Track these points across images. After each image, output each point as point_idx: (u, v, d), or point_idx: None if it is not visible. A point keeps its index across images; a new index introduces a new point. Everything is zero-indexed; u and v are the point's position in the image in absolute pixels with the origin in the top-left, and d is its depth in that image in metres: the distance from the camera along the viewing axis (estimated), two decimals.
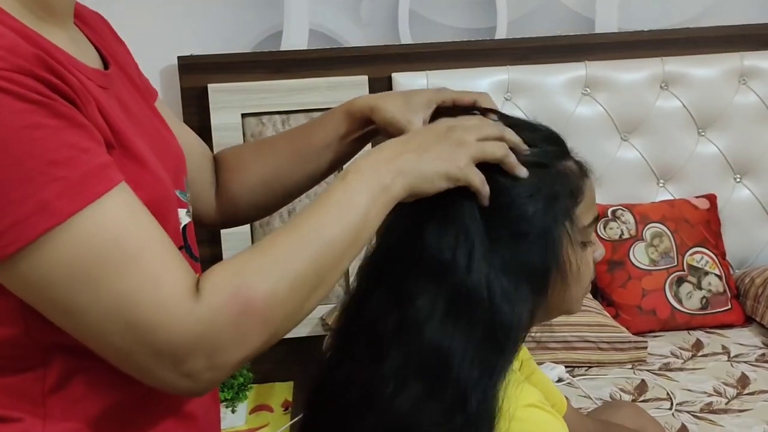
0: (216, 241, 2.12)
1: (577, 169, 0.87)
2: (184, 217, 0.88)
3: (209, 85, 2.08)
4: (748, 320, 2.09)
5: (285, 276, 0.70)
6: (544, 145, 0.86)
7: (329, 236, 0.73)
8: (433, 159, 0.78)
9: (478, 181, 0.79)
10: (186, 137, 1.01)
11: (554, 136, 0.88)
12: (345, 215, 0.74)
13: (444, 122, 0.82)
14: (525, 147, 0.82)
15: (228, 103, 2.09)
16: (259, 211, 1.05)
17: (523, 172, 0.81)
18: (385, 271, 0.84)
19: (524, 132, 0.85)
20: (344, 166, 0.80)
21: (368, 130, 0.96)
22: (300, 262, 0.71)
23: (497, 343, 0.80)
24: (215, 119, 2.09)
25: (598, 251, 0.90)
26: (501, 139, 0.81)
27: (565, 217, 0.83)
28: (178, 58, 2.10)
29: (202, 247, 2.27)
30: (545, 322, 0.90)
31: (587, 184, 0.87)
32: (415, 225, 0.82)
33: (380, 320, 0.82)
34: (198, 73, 2.10)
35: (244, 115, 2.11)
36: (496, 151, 0.80)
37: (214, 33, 2.17)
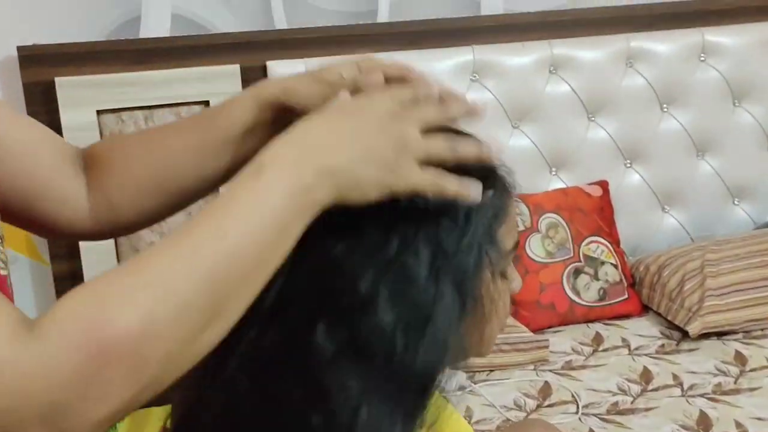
0: (75, 255, 1.88)
1: (503, 187, 0.72)
2: None
3: (56, 79, 1.83)
4: (645, 309, 2.06)
5: (164, 302, 0.53)
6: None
7: (231, 247, 0.56)
8: (372, 163, 0.61)
9: (433, 186, 0.63)
10: (27, 132, 0.79)
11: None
12: (253, 220, 0.57)
13: (380, 101, 0.65)
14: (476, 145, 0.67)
15: (80, 98, 1.85)
16: (146, 217, 0.84)
17: (469, 189, 0.64)
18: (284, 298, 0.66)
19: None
20: (255, 157, 0.61)
21: (282, 118, 0.76)
22: (187, 283, 0.54)
23: (404, 394, 0.65)
24: (66, 118, 1.84)
25: (516, 282, 0.75)
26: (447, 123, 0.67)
27: (487, 241, 0.69)
28: (18, 48, 1.83)
29: (57, 263, 2.01)
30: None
31: (511, 204, 0.72)
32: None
33: (262, 348, 0.65)
34: (42, 66, 1.84)
35: (99, 112, 1.87)
36: (442, 151, 0.64)
37: (61, 19, 1.90)
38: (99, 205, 0.82)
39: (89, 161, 0.83)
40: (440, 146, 0.64)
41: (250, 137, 0.77)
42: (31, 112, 1.85)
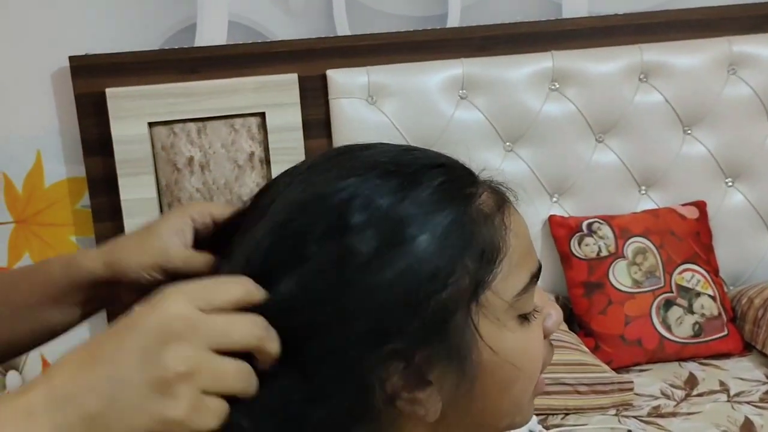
0: None
1: (494, 206, 0.53)
2: None
3: (107, 90, 1.75)
4: (747, 348, 1.82)
5: None
6: (423, 175, 0.53)
7: None
8: (125, 408, 0.44)
9: (214, 417, 0.46)
10: None
11: (441, 161, 0.56)
12: None
13: (166, 305, 0.47)
14: (274, 347, 0.49)
15: (131, 110, 1.77)
16: None
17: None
18: None
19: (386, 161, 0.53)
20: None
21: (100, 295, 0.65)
22: None
23: None
24: (116, 130, 1.76)
25: (552, 318, 0.57)
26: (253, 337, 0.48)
27: (469, 301, 0.51)
28: (70, 58, 1.77)
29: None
30: None
31: (511, 226, 0.53)
32: None
33: None
34: (94, 76, 1.77)
35: (151, 125, 1.79)
36: (235, 381, 0.47)
37: (116, 28, 1.83)
38: None
39: None
40: (229, 368, 0.47)
41: (59, 310, 0.66)
42: (83, 124, 1.79)
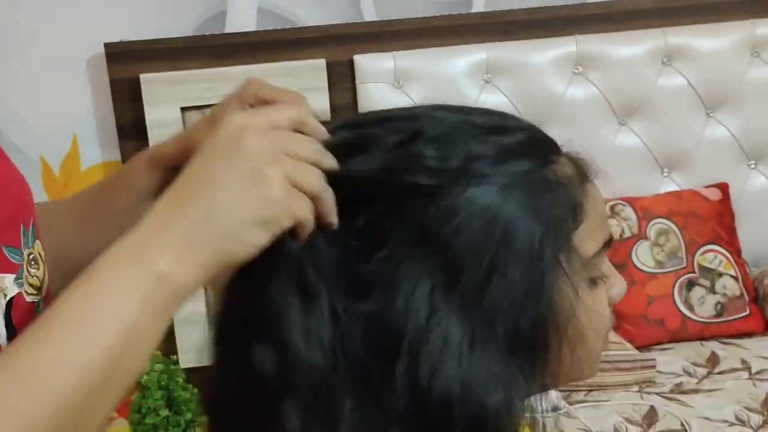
0: None
1: (574, 173, 0.57)
2: (11, 287, 0.60)
3: (141, 76, 1.81)
4: None
5: None
6: (511, 138, 0.57)
7: (57, 385, 0.45)
8: (230, 201, 0.48)
9: (308, 210, 0.50)
10: None
11: (529, 127, 0.60)
12: (87, 343, 0.46)
13: (227, 124, 0.51)
14: (332, 162, 0.53)
15: (165, 95, 1.82)
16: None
17: (335, 220, 0.52)
18: None
19: (477, 119, 0.57)
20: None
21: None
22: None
23: None
24: (150, 114, 1.81)
25: (616, 287, 0.60)
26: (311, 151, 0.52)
27: (560, 249, 0.55)
28: (105, 45, 1.82)
29: None
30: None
31: (590, 193, 0.58)
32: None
33: None
34: (129, 62, 1.82)
35: (184, 109, 1.84)
36: (311, 179, 0.51)
37: (147, 15, 1.88)
38: None
39: None
40: (307, 172, 0.51)
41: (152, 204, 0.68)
42: (118, 109, 1.84)
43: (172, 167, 0.64)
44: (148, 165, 0.67)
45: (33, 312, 0.63)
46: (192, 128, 0.65)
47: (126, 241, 0.49)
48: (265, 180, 0.49)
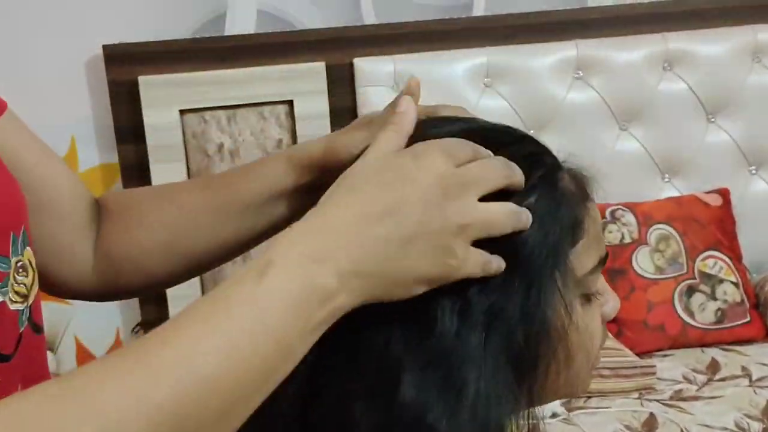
0: (162, 301, 1.82)
1: (577, 190, 0.57)
2: None
3: (140, 78, 1.79)
4: None
5: None
6: (514, 151, 0.56)
7: (209, 378, 0.43)
8: (417, 256, 0.48)
9: (483, 267, 0.51)
10: (49, 170, 0.70)
11: (531, 140, 0.59)
12: (241, 342, 0.44)
13: (429, 161, 0.50)
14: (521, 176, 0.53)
15: (163, 98, 1.81)
16: (151, 281, 0.73)
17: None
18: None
19: (481, 140, 0.56)
20: (263, 249, 0.49)
21: (320, 182, 0.62)
22: (138, 422, 0.41)
23: None
24: (148, 117, 1.80)
25: (609, 304, 0.60)
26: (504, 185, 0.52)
27: (556, 265, 0.55)
28: (104, 47, 1.81)
29: (146, 308, 1.98)
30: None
31: (591, 212, 0.57)
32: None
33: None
34: (127, 65, 1.81)
35: (182, 112, 1.83)
36: (506, 223, 0.51)
37: (146, 17, 1.87)
38: (101, 261, 0.71)
39: (101, 212, 0.73)
40: (503, 217, 0.51)
41: (282, 203, 0.66)
42: (116, 111, 1.83)
43: (312, 167, 0.63)
44: (288, 162, 0.65)
45: (16, 321, 0.61)
46: (340, 131, 0.63)
47: (300, 247, 0.47)
48: (452, 251, 0.49)
